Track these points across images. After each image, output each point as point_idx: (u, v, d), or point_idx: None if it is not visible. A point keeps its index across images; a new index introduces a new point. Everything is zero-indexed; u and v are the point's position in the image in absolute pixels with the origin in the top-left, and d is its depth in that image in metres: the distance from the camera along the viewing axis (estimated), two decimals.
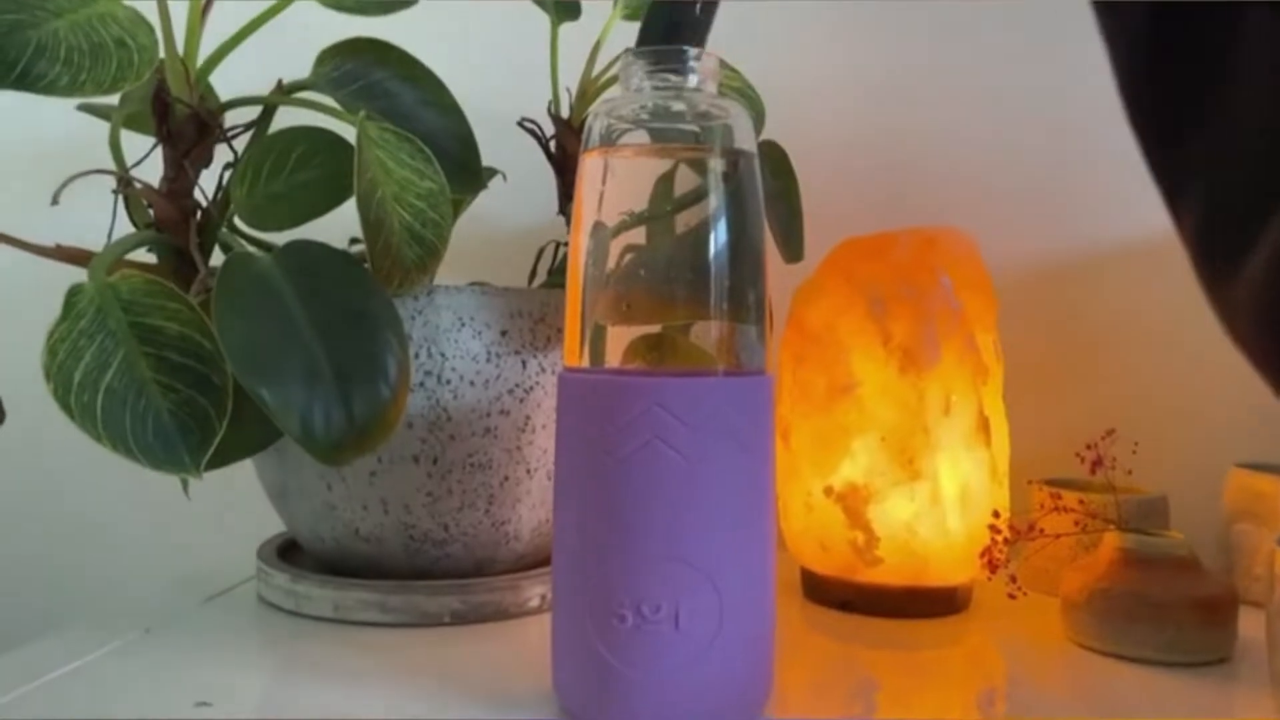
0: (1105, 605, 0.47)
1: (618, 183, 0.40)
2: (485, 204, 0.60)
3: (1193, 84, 0.24)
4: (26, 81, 0.39)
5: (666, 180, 0.39)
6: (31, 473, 0.81)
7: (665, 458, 0.36)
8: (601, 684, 0.37)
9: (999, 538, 0.50)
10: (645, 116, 0.39)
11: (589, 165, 0.40)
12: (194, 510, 0.57)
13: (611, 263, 0.39)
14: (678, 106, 0.39)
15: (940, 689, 0.46)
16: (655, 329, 0.39)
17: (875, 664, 0.48)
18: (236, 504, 0.65)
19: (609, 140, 0.39)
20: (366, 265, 0.46)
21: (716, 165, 0.39)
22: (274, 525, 0.59)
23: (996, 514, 0.51)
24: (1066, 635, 0.50)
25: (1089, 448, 0.50)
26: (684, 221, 0.39)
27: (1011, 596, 0.50)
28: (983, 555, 0.50)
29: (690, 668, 0.36)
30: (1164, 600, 0.46)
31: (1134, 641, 0.47)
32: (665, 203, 0.38)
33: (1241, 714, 0.43)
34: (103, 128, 0.52)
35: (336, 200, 0.50)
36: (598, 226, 0.39)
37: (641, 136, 0.40)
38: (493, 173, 0.58)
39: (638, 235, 0.39)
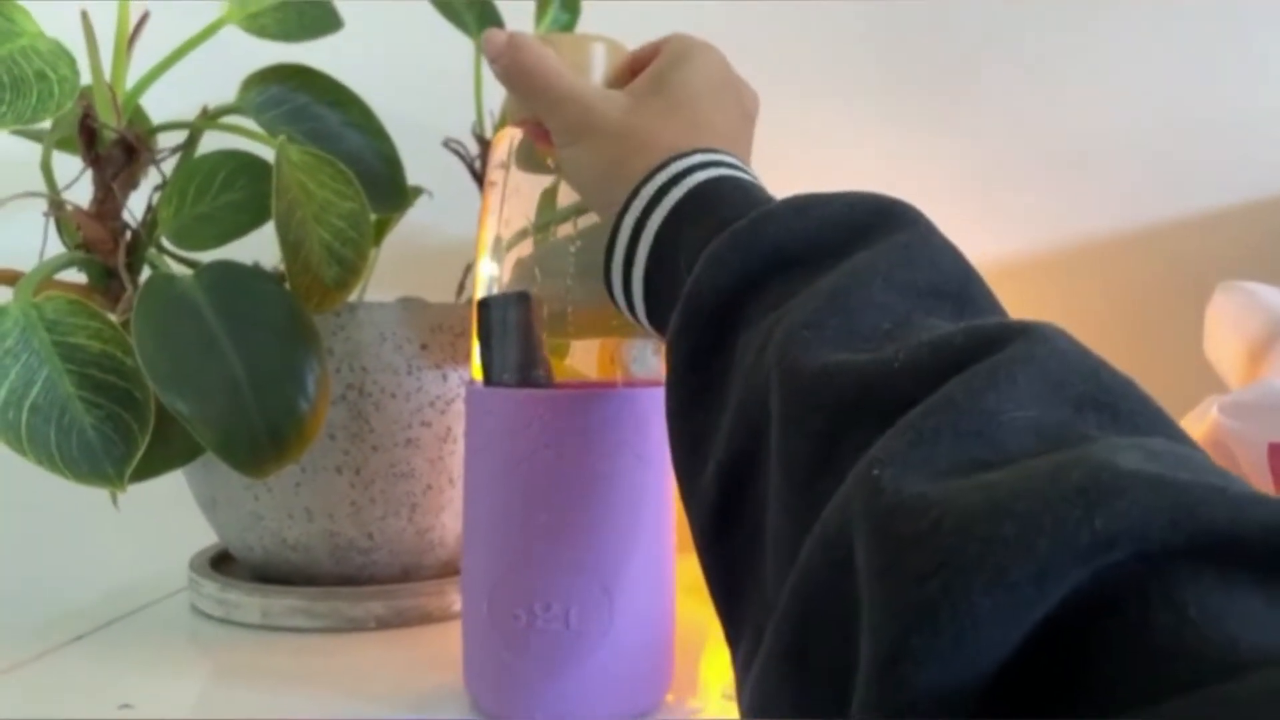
0: None
1: (518, 201, 0.42)
2: (414, 221, 0.62)
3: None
4: None
5: (549, 194, 0.41)
6: None
7: (553, 467, 0.38)
8: (502, 680, 0.39)
9: None
10: None
11: (491, 186, 0.42)
12: (128, 524, 0.58)
13: (507, 278, 0.41)
14: None
15: None
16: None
17: None
18: (170, 518, 0.66)
19: (507, 160, 0.41)
20: (287, 284, 0.47)
21: None
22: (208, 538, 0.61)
23: None
24: None
25: None
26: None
27: None
28: None
29: (581, 664, 0.38)
30: None
31: None
32: (548, 215, 0.41)
33: None
34: (35, 150, 0.54)
35: (260, 220, 0.52)
36: (498, 243, 0.41)
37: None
38: (419, 191, 0.60)
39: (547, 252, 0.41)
